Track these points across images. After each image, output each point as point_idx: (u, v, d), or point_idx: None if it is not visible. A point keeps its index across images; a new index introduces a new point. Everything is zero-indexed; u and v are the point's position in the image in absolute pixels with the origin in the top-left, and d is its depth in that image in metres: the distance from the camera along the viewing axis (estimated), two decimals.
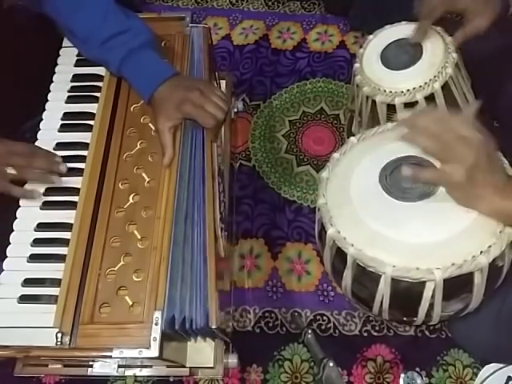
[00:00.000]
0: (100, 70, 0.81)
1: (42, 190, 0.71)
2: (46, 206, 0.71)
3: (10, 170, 0.68)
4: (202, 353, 0.77)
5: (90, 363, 0.71)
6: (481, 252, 0.60)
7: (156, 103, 0.74)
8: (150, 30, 0.78)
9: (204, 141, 0.74)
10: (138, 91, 0.77)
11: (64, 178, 0.73)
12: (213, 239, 0.66)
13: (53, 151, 0.75)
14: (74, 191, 0.71)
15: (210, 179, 0.70)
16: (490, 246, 0.60)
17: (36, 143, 0.76)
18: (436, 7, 0.79)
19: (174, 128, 0.73)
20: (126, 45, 0.74)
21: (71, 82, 0.81)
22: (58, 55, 0.84)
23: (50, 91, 0.81)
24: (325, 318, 0.95)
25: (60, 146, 0.76)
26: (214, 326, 0.61)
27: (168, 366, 0.76)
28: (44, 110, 0.79)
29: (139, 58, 0.75)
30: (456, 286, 0.62)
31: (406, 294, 0.64)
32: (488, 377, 0.83)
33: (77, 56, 0.84)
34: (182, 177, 0.71)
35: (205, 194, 0.69)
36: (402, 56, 0.83)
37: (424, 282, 0.61)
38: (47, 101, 0.80)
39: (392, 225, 0.63)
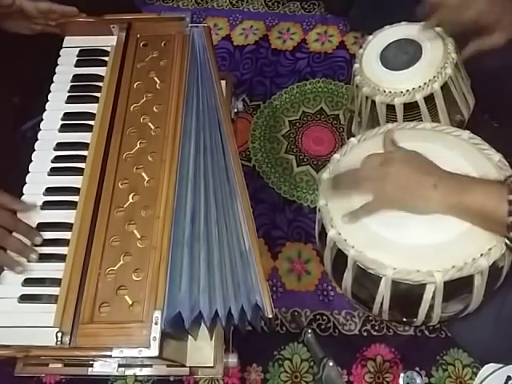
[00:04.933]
0: (100, 70, 0.81)
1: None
2: (46, 205, 0.71)
3: None
4: (202, 352, 0.77)
5: (91, 363, 0.71)
6: (481, 255, 0.60)
7: None
8: None
9: (223, 139, 0.75)
10: None
11: (64, 178, 0.73)
12: (252, 227, 0.69)
13: (53, 151, 0.75)
14: (74, 191, 0.71)
15: (238, 172, 0.72)
16: (490, 249, 0.60)
17: (36, 143, 0.76)
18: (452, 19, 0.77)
19: None
20: None
21: (71, 82, 0.81)
22: (58, 55, 0.84)
23: (50, 91, 0.81)
24: (325, 317, 0.95)
25: (60, 146, 0.76)
26: (270, 316, 0.61)
27: (168, 366, 0.76)
28: (44, 110, 0.79)
29: None
30: (456, 287, 0.62)
31: (406, 295, 0.64)
32: (487, 376, 0.83)
33: (77, 56, 0.84)
34: (191, 178, 0.71)
35: (234, 186, 0.72)
36: (401, 56, 0.83)
37: (424, 285, 0.61)
38: (47, 101, 0.80)
39: (393, 227, 0.64)
